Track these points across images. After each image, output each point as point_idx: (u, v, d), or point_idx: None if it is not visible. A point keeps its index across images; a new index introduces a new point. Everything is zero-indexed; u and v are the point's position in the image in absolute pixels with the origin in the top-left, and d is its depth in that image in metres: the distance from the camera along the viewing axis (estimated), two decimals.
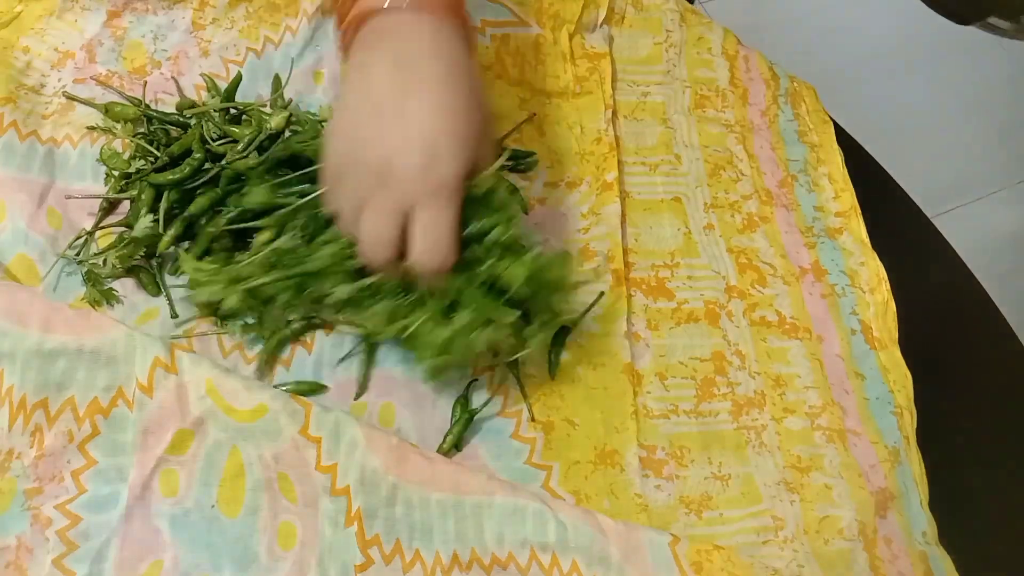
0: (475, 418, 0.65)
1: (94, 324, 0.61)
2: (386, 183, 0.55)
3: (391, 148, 0.55)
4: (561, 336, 0.69)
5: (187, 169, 0.67)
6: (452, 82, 0.57)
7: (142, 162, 0.69)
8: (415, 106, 0.56)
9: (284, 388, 0.63)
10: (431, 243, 0.56)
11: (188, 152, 0.69)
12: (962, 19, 0.61)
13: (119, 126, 0.71)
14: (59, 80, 0.74)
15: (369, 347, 0.66)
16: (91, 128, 0.72)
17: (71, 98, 0.73)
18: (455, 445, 0.64)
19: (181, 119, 0.72)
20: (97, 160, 0.71)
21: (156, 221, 0.65)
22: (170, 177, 0.67)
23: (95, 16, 0.77)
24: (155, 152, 0.69)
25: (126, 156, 0.70)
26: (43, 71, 0.74)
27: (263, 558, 0.57)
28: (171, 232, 0.66)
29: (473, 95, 0.59)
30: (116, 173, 0.69)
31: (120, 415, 0.59)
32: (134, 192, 0.68)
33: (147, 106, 0.73)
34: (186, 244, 0.67)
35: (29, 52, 0.74)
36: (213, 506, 0.58)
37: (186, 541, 0.57)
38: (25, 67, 0.73)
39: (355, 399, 0.65)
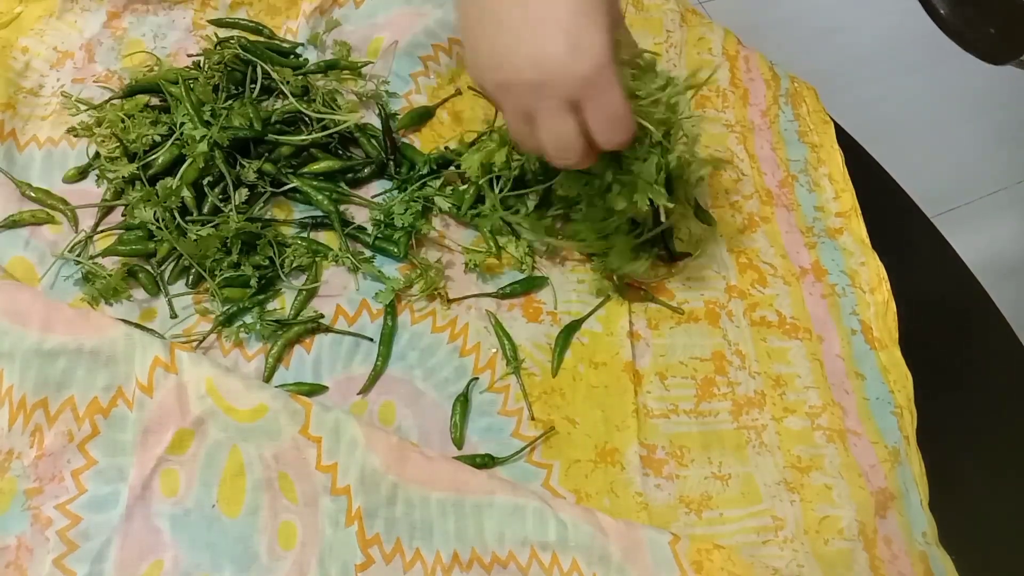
0: (476, 416, 0.65)
1: (94, 324, 0.61)
2: (543, 88, 0.55)
3: (532, 51, 0.54)
4: (563, 335, 0.69)
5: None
6: None
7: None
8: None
9: (284, 388, 0.63)
10: (610, 126, 0.56)
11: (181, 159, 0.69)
12: (995, 59, 0.61)
13: (95, 123, 0.71)
14: (58, 80, 0.74)
15: (387, 342, 0.67)
16: (71, 130, 0.71)
17: (69, 98, 0.72)
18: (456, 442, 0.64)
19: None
20: (91, 167, 0.70)
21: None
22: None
23: (95, 17, 0.77)
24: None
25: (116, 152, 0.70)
26: (42, 71, 0.74)
27: (263, 558, 0.57)
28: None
29: None
30: (110, 175, 0.69)
31: (120, 415, 0.59)
32: (132, 197, 0.68)
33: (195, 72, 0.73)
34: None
35: (28, 52, 0.74)
36: (213, 506, 0.58)
37: (186, 541, 0.57)
38: (24, 68, 0.73)
39: (359, 393, 0.65)
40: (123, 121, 0.70)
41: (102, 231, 0.68)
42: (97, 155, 0.70)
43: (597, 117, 0.56)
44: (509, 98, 0.58)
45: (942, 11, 0.60)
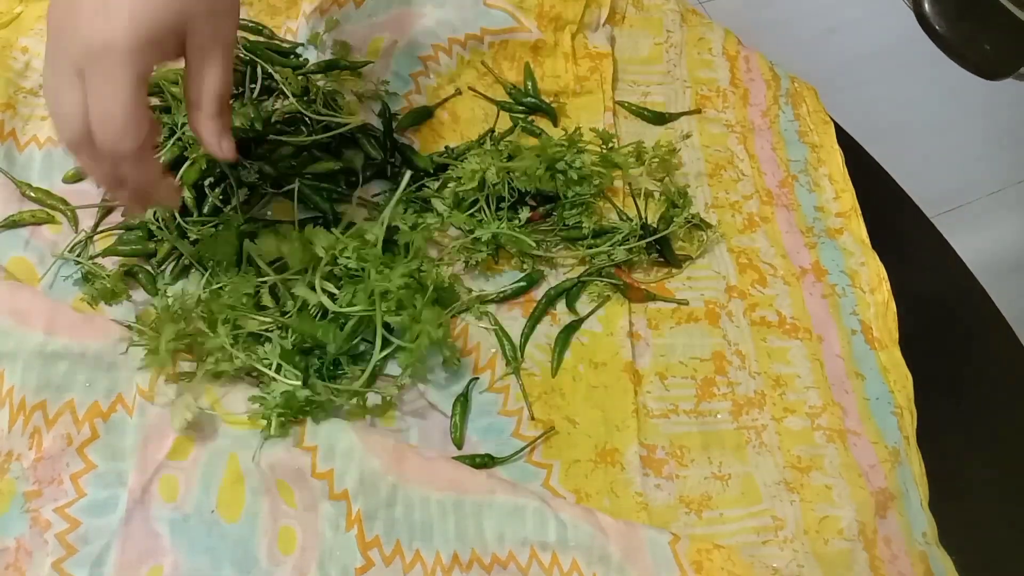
0: (476, 416, 0.65)
1: (98, 328, 0.61)
2: (62, 38, 0.46)
3: None
4: (563, 335, 0.69)
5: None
6: None
7: None
8: None
9: None
10: (100, 115, 0.46)
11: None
12: (992, 75, 0.61)
13: None
14: None
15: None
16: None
17: None
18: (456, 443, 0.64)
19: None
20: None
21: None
22: None
23: None
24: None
25: None
26: (41, 70, 0.74)
27: (263, 562, 0.57)
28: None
29: None
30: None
31: (119, 420, 0.59)
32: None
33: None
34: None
35: (28, 52, 0.74)
36: (213, 511, 0.58)
37: (186, 546, 0.56)
38: (24, 68, 0.73)
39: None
40: None
41: (102, 231, 0.68)
42: None
43: (92, 102, 0.46)
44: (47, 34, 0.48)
45: (939, 28, 0.60)
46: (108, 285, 0.64)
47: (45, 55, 0.49)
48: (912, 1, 0.65)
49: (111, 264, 0.66)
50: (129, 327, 0.62)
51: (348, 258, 0.62)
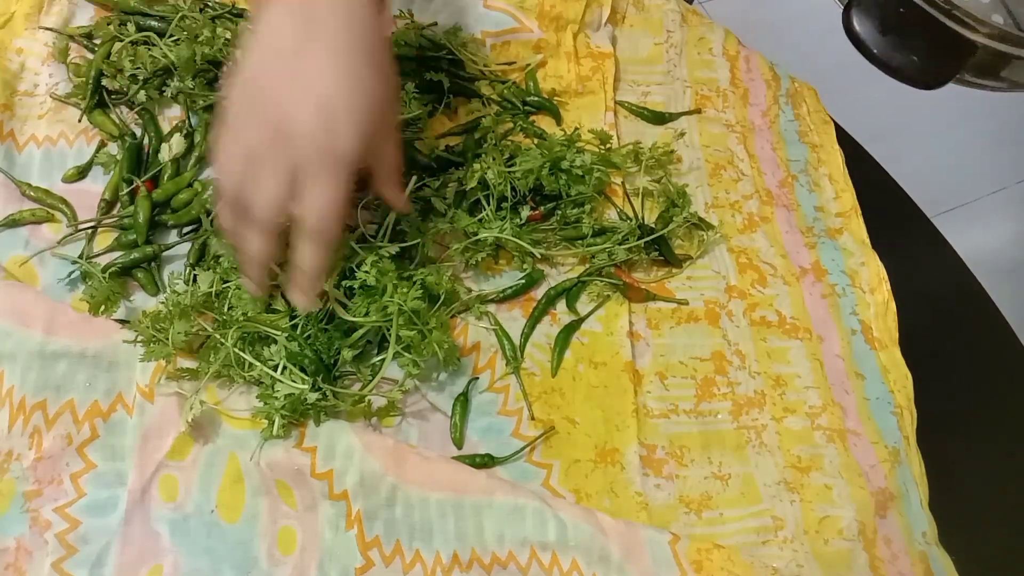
0: (476, 416, 0.65)
1: (98, 328, 0.61)
2: (282, 140, 0.53)
3: (288, 104, 0.53)
4: (563, 335, 0.69)
5: None
6: (356, 46, 0.54)
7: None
8: (315, 64, 0.53)
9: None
10: (316, 212, 0.54)
11: None
12: (927, 85, 0.61)
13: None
14: (50, 76, 0.74)
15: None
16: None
17: (58, 99, 0.72)
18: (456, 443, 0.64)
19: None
20: (94, 160, 0.70)
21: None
22: None
23: (82, 11, 0.78)
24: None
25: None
26: (35, 69, 0.74)
27: (263, 563, 0.57)
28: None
29: (377, 64, 0.55)
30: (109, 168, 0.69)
31: (119, 420, 0.59)
32: (129, 210, 0.68)
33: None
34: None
35: (23, 54, 0.74)
36: (213, 511, 0.58)
37: (186, 546, 0.56)
38: (19, 69, 0.73)
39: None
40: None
41: (104, 226, 0.68)
42: (98, 150, 0.70)
43: (313, 198, 0.53)
44: (248, 128, 0.54)
45: (868, 43, 0.60)
46: (104, 292, 0.63)
47: (226, 140, 0.55)
48: (843, 20, 0.65)
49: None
50: (125, 322, 0.62)
51: (367, 273, 0.62)
